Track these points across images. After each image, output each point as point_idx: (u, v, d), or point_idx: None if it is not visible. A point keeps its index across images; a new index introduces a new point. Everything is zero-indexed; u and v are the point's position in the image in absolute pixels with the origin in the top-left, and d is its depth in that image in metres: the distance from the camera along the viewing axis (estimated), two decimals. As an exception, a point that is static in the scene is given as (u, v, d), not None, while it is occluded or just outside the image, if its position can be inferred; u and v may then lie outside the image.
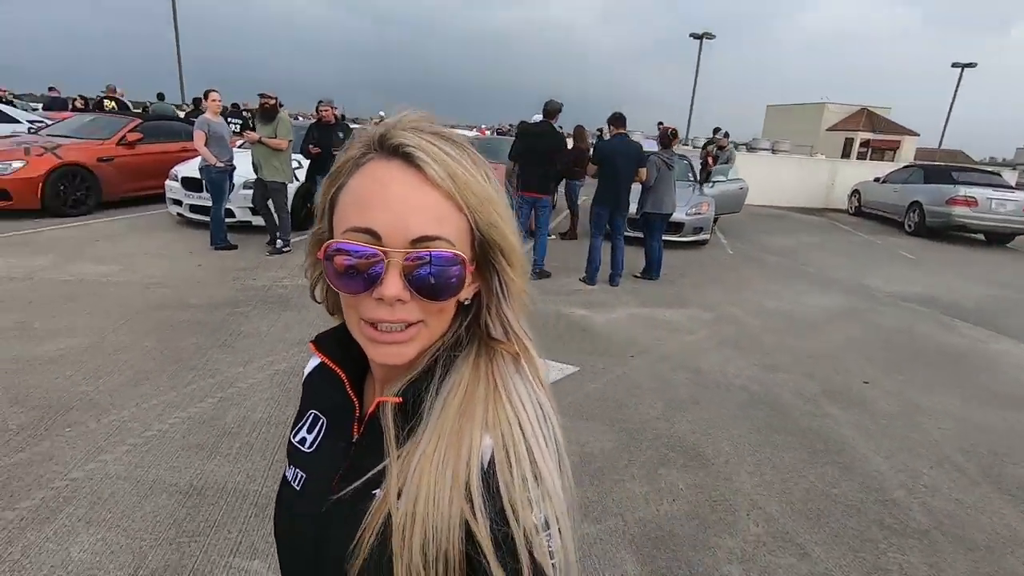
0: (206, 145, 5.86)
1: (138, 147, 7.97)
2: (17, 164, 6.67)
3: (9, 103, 12.30)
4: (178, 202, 7.10)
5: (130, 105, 12.12)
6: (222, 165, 5.97)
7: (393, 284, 0.48)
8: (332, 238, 0.51)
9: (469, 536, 0.47)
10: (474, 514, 0.47)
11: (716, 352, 4.27)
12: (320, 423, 0.64)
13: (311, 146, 5.81)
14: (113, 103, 12.18)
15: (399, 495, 0.49)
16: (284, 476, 0.65)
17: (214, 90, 5.88)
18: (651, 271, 6.21)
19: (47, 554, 1.95)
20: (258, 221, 6.79)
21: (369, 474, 0.54)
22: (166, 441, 2.65)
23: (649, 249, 6.18)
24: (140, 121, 8.35)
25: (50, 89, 14.18)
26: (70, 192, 7.11)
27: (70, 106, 13.87)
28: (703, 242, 8.38)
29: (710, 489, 2.62)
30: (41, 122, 9.59)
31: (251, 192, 6.65)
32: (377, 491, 0.53)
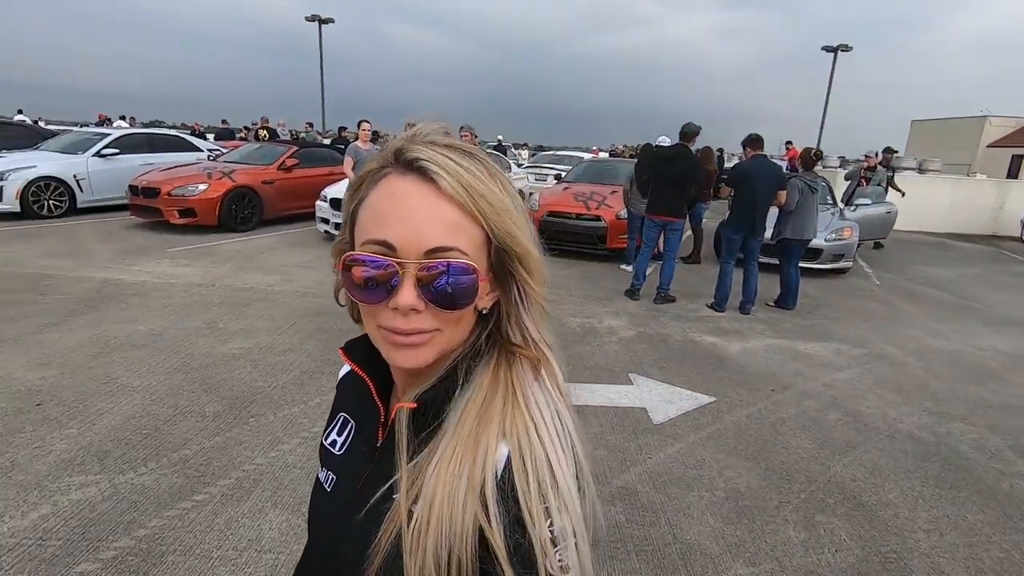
0: (353, 169, 6.47)
1: (294, 171, 8.98)
2: (202, 186, 7.78)
3: (200, 135, 14.51)
4: (325, 220, 7.87)
5: (280, 133, 13.69)
6: None
7: (408, 294, 0.50)
8: (353, 250, 0.53)
9: (483, 543, 0.47)
10: (489, 520, 0.47)
11: (872, 394, 3.88)
12: (349, 427, 0.67)
13: None
14: (265, 132, 13.85)
15: (415, 500, 0.50)
16: (317, 477, 0.68)
17: (366, 120, 6.51)
18: (787, 300, 5.82)
19: (244, 528, 2.22)
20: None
21: (390, 479, 0.55)
22: (331, 437, 2.91)
23: (785, 276, 5.79)
24: (296, 148, 9.40)
25: (223, 121, 16.51)
26: (240, 211, 8.15)
27: (235, 136, 15.99)
28: (843, 270, 7.70)
29: (879, 543, 2.37)
30: (217, 150, 11.12)
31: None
32: (397, 495, 0.53)
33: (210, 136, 17.38)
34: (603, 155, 17.80)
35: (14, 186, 7.98)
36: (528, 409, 0.52)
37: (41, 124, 15.74)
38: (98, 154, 8.96)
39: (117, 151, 9.12)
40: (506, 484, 0.48)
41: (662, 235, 5.85)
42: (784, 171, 5.51)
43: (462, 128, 6.24)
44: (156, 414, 3.03)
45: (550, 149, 23.73)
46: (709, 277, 7.03)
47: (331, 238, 7.88)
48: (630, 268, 6.93)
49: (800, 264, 5.92)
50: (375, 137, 5.91)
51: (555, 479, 0.49)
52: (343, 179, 8.15)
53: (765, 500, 2.62)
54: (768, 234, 5.64)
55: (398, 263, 0.49)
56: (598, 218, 7.57)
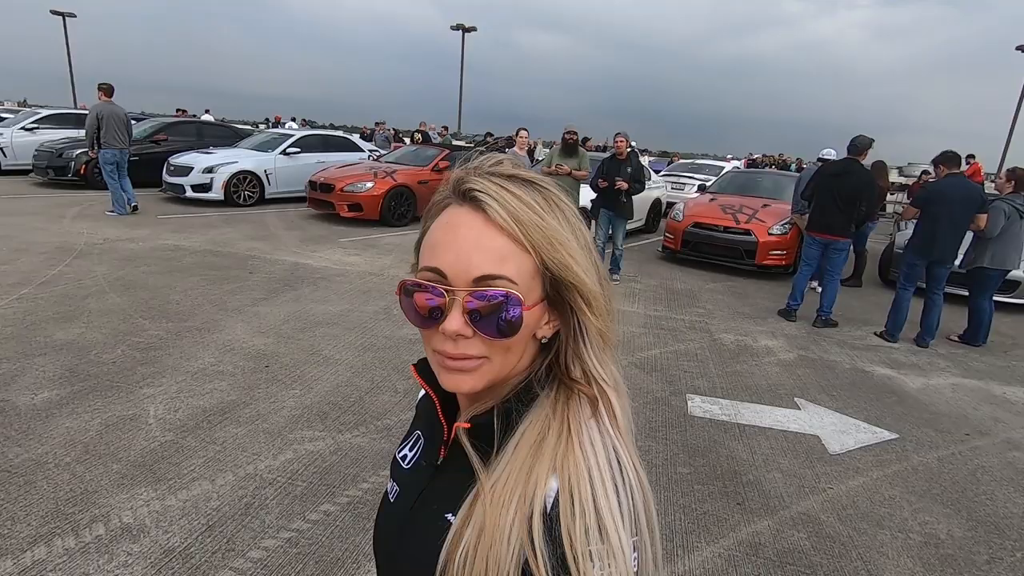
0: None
1: (446, 172, 9.58)
2: (369, 184, 8.63)
3: (368, 138, 16.17)
4: (473, 220, 8.36)
5: (432, 136, 14.72)
6: None
7: (455, 320, 0.51)
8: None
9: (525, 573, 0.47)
10: (535, 554, 0.47)
11: (1097, 451, 3.37)
12: (420, 443, 0.68)
13: (600, 179, 6.28)
14: (419, 135, 14.92)
15: (467, 523, 0.51)
16: (386, 488, 0.70)
17: (524, 129, 6.81)
18: (976, 336, 5.19)
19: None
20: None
21: (445, 497, 0.56)
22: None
23: (976, 309, 5.17)
24: (448, 152, 10.07)
25: (376, 124, 18.07)
26: (397, 207, 8.91)
27: (376, 137, 17.44)
28: (1044, 307, 6.68)
29: (1123, 624, 2.09)
30: (375, 151, 12.21)
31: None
32: (449, 515, 0.54)
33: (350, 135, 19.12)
34: (734, 164, 16.92)
35: (221, 178, 9.41)
36: (581, 446, 0.51)
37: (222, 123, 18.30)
38: (284, 152, 10.28)
39: (299, 150, 10.39)
40: (553, 521, 0.48)
41: (823, 254, 5.50)
42: (984, 193, 4.91)
43: (618, 134, 6.31)
44: (358, 385, 3.47)
45: (672, 155, 22.98)
46: (873, 302, 6.49)
47: (477, 237, 8.35)
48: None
49: (994, 297, 5.25)
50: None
51: (603, 523, 0.48)
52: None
53: (972, 553, 2.41)
54: (958, 261, 5.08)
55: (446, 290, 0.51)
56: (747, 232, 7.26)
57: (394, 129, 19.62)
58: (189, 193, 9.38)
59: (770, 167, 19.01)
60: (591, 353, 0.55)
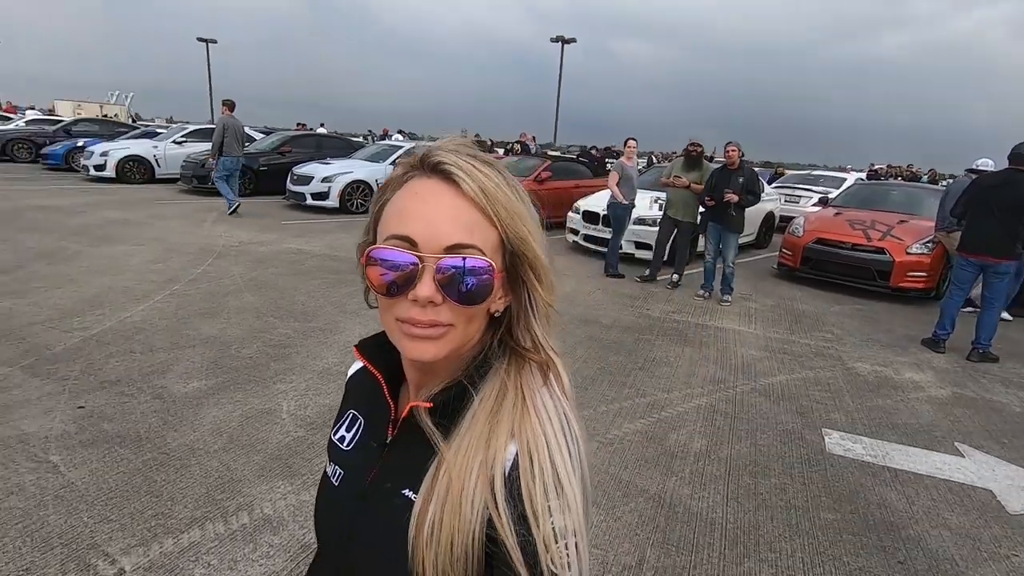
0: (617, 184, 6.66)
1: (546, 183, 9.63)
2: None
3: (490, 148, 16.62)
4: (575, 231, 8.26)
5: (531, 148, 14.88)
6: (626, 203, 6.70)
7: (427, 286, 0.51)
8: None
9: (490, 539, 0.50)
10: (499, 515, 0.49)
11: None
12: (358, 423, 0.68)
13: (708, 197, 5.93)
14: (518, 146, 15.11)
15: (432, 496, 0.52)
16: (325, 472, 0.69)
17: (632, 138, 6.63)
18: None
19: (568, 519, 2.40)
20: (641, 254, 7.38)
21: (400, 474, 0.58)
22: (625, 447, 3.00)
23: None
24: (550, 162, 10.07)
25: (476, 136, 18.62)
26: (499, 217, 9.02)
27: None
28: None
29: None
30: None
31: (641, 228, 7.29)
32: (407, 491, 0.56)
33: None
34: (855, 175, 15.49)
35: (337, 188, 10.05)
36: (536, 412, 0.54)
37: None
38: (393, 163, 10.78)
39: (407, 161, 10.89)
40: (513, 483, 0.50)
41: (979, 278, 4.82)
42: None
43: (729, 143, 5.96)
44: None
45: (776, 166, 21.48)
46: (1043, 336, 5.61)
47: (579, 248, 8.25)
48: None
49: None
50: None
51: (559, 480, 0.51)
52: (594, 192, 8.47)
53: None
54: None
55: (419, 256, 0.52)
56: (881, 250, 6.57)
57: (490, 140, 20.07)
58: (309, 201, 10.10)
59: (895, 179, 17.24)
60: (539, 324, 0.58)
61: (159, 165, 12.87)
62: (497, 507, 0.49)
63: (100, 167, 12.27)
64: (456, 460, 0.52)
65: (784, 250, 7.49)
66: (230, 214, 9.08)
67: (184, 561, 2.01)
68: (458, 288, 0.52)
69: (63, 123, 16.86)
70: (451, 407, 0.56)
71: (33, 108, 27.05)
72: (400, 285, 0.53)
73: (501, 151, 15.18)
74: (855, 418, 3.55)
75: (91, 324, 4.13)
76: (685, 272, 6.67)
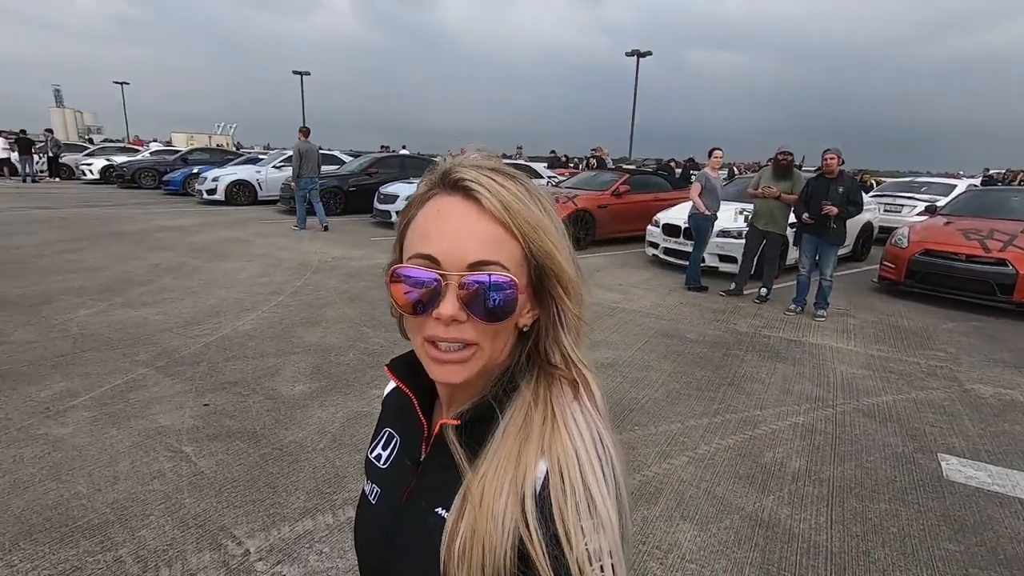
0: (700, 195, 6.52)
1: (625, 197, 9.57)
2: (551, 209, 8.92)
3: (564, 164, 16.97)
4: (655, 244, 8.14)
5: (607, 161, 14.84)
6: (709, 214, 6.53)
7: (450, 304, 0.51)
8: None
9: (521, 558, 0.48)
10: (531, 535, 0.48)
11: None
12: (394, 441, 0.68)
13: (805, 214, 5.63)
14: (594, 160, 15.12)
15: (462, 514, 0.51)
16: (363, 490, 0.69)
17: (718, 148, 6.48)
18: None
19: (660, 532, 2.37)
20: (725, 268, 7.14)
21: (433, 492, 0.57)
22: (717, 463, 2.92)
23: None
24: (628, 176, 10.01)
25: (551, 152, 18.80)
26: (577, 232, 9.06)
27: (561, 163, 17.99)
28: None
29: None
30: (553, 178, 12.63)
31: (725, 240, 7.07)
32: (440, 509, 0.55)
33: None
34: (968, 182, 14.13)
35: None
36: (567, 428, 0.53)
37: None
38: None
39: (486, 178, 11.20)
40: (544, 502, 0.49)
41: None
42: None
43: (827, 151, 5.66)
44: (556, 404, 3.51)
45: (861, 173, 19.99)
46: None
47: (658, 261, 8.11)
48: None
49: None
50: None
51: (592, 499, 0.49)
52: (673, 204, 8.32)
53: None
54: None
55: (441, 274, 0.51)
56: (1003, 262, 5.97)
57: (565, 156, 20.18)
58: (394, 218, 10.60)
59: (1017, 184, 15.57)
60: (568, 338, 0.57)
61: (261, 188, 14.03)
62: (528, 527, 0.48)
63: (212, 191, 13.56)
64: (485, 478, 0.51)
65: (885, 262, 6.97)
66: (293, 228, 10.02)
67: (299, 547, 2.18)
68: (482, 305, 0.51)
69: (180, 153, 18.81)
70: (480, 424, 0.55)
71: (156, 141, 30.39)
72: (424, 303, 0.52)
73: (580, 166, 15.25)
74: (977, 444, 3.24)
75: (210, 331, 4.57)
76: (774, 286, 6.38)
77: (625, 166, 16.81)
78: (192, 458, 2.76)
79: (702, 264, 7.00)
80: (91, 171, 18.55)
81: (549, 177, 12.42)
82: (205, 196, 13.66)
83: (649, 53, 27.67)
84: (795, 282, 6.02)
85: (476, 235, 0.52)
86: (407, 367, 0.64)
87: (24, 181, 17.72)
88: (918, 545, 2.35)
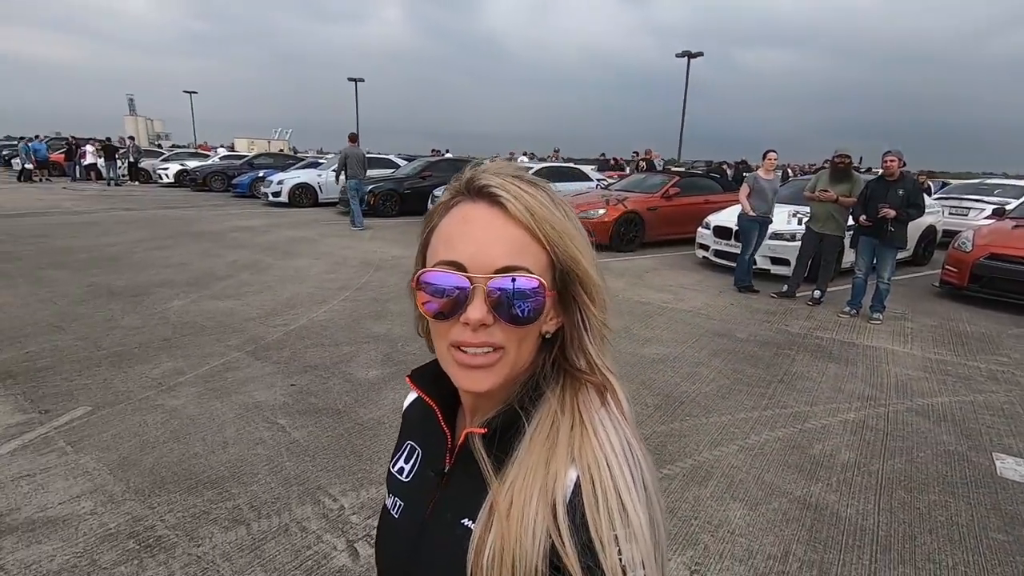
0: (748, 197, 6.56)
1: (675, 199, 9.62)
2: (601, 211, 9.08)
3: (621, 167, 17.10)
4: (705, 247, 8.18)
5: (656, 164, 14.84)
6: (753, 215, 6.56)
7: (478, 308, 0.51)
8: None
9: (554, 568, 0.48)
10: (563, 544, 0.47)
11: None
12: (416, 453, 0.67)
13: (863, 217, 5.59)
14: (643, 163, 15.13)
15: (489, 526, 0.51)
16: (384, 505, 0.68)
17: (772, 150, 6.51)
18: None
19: (711, 510, 2.54)
20: (777, 270, 7.13)
21: (459, 504, 0.56)
22: (766, 452, 3.06)
23: None
24: (679, 178, 10.05)
25: (600, 155, 18.92)
26: (626, 233, 9.19)
27: (611, 165, 18.06)
28: None
29: None
30: (603, 180, 12.76)
31: (778, 243, 7.06)
32: (466, 520, 0.55)
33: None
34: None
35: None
36: (596, 435, 0.52)
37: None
38: (523, 183, 11.43)
39: (536, 181, 11.47)
40: (575, 510, 0.49)
41: None
42: None
43: (888, 153, 5.60)
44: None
45: (918, 174, 19.00)
46: None
47: (708, 264, 8.15)
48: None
49: None
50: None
51: (624, 507, 0.49)
52: (724, 207, 8.33)
53: None
54: None
55: (469, 279, 0.52)
56: (1076, 267, 5.75)
57: (615, 158, 20.20)
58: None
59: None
60: (593, 344, 0.57)
61: (321, 191, 14.78)
62: (561, 536, 0.48)
63: (276, 193, 14.40)
64: (514, 487, 0.51)
65: (948, 267, 6.80)
66: (353, 227, 10.70)
67: (386, 506, 2.49)
68: (509, 308, 0.51)
69: (246, 158, 19.97)
70: (507, 432, 0.55)
71: (223, 146, 32.22)
72: (452, 309, 0.52)
73: (627, 169, 15.30)
74: (1036, 446, 3.24)
75: (289, 321, 5.01)
76: (828, 289, 6.35)
77: (674, 168, 16.74)
78: (287, 429, 3.13)
79: (755, 267, 7.01)
80: (167, 175, 19.99)
81: (599, 180, 12.56)
82: (270, 198, 14.52)
83: (700, 54, 27.28)
84: (850, 285, 5.99)
85: (502, 240, 0.52)
86: (429, 377, 0.64)
87: (109, 185, 19.26)
88: (966, 533, 2.44)
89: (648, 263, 8.48)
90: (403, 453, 0.70)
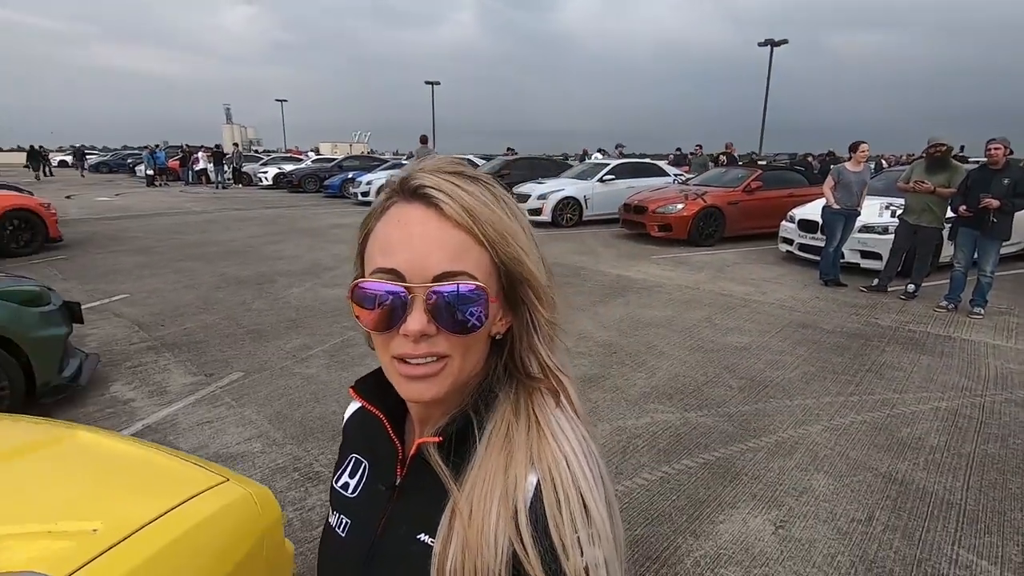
0: (833, 189, 6.46)
1: (756, 193, 9.48)
2: (680, 206, 9.14)
3: (683, 161, 16.98)
4: (789, 241, 8.06)
5: (737, 159, 14.54)
6: (837, 208, 6.44)
7: (418, 319, 0.48)
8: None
9: (516, 575, 0.47)
10: (526, 551, 0.46)
11: None
12: (362, 467, 0.64)
13: (962, 206, 5.38)
14: (724, 157, 14.86)
15: (451, 537, 0.49)
16: (327, 523, 0.64)
17: (863, 142, 6.37)
18: None
19: (794, 479, 2.73)
20: (867, 264, 6.94)
21: (412, 518, 0.54)
22: (852, 432, 3.18)
23: None
24: (761, 172, 9.89)
25: (677, 149, 18.68)
26: (706, 228, 9.18)
27: (686, 161, 17.79)
28: None
29: None
30: (679, 175, 12.69)
31: (868, 236, 6.88)
32: (423, 535, 0.52)
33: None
34: None
35: (550, 204, 11.18)
36: (555, 438, 0.51)
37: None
38: (600, 179, 11.61)
39: (613, 177, 11.61)
40: (537, 515, 0.48)
41: None
42: None
43: (992, 140, 5.36)
44: (694, 377, 3.93)
45: (1021, 162, 17.09)
46: None
47: (792, 258, 8.02)
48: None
49: None
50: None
51: (586, 507, 0.48)
52: (810, 200, 8.16)
53: None
54: None
55: (407, 288, 0.49)
56: None
57: (692, 152, 19.83)
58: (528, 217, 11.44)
59: None
60: (543, 345, 0.55)
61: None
62: (523, 543, 0.47)
63: (365, 193, 15.41)
64: (473, 496, 0.50)
65: (1064, 260, 6.35)
66: None
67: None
68: (451, 317, 0.49)
69: (336, 160, 21.40)
70: (462, 439, 0.53)
71: (314, 151, 34.54)
72: (390, 320, 0.49)
73: (690, 163, 15.07)
74: None
75: (393, 307, 5.56)
76: (923, 283, 6.14)
77: (758, 161, 16.24)
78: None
79: (843, 260, 6.85)
80: (266, 178, 21.79)
81: (675, 174, 12.50)
82: (360, 197, 15.56)
83: (785, 42, 26.07)
84: (947, 280, 5.78)
85: (440, 244, 0.49)
86: (374, 388, 0.60)
87: (217, 188, 21.28)
88: (1059, 513, 2.48)
89: (729, 257, 8.45)
90: (347, 467, 0.66)
